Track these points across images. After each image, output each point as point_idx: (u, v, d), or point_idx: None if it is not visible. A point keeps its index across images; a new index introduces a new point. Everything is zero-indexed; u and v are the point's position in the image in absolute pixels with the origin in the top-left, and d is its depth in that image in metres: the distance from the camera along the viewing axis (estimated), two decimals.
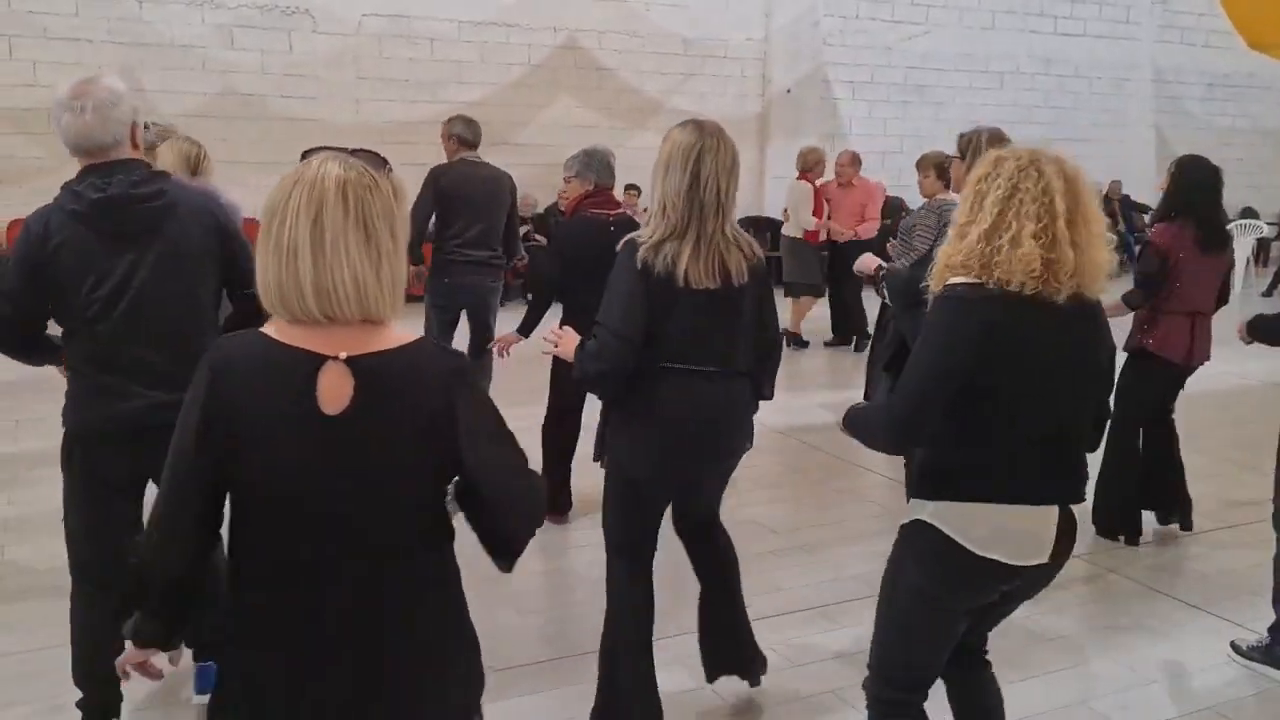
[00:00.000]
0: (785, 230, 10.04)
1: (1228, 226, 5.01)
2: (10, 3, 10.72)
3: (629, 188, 12.96)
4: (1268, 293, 14.28)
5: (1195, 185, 4.75)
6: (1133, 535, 5.04)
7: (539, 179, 12.44)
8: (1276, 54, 14.58)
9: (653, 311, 2.95)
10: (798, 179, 9.95)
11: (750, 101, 14.20)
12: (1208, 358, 4.93)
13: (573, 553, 4.88)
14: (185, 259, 2.95)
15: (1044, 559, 2.38)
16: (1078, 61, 16.14)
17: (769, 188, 14.22)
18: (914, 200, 9.58)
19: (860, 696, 2.69)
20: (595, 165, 5.03)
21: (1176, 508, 5.17)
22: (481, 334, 6.27)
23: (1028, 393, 2.32)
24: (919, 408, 2.35)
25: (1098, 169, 16.16)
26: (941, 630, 2.50)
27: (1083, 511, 2.49)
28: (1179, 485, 5.17)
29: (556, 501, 5.07)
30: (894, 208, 11.74)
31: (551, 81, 13.02)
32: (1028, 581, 2.45)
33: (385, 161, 1.77)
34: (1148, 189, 16.68)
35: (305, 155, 1.78)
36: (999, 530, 2.33)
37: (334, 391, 1.69)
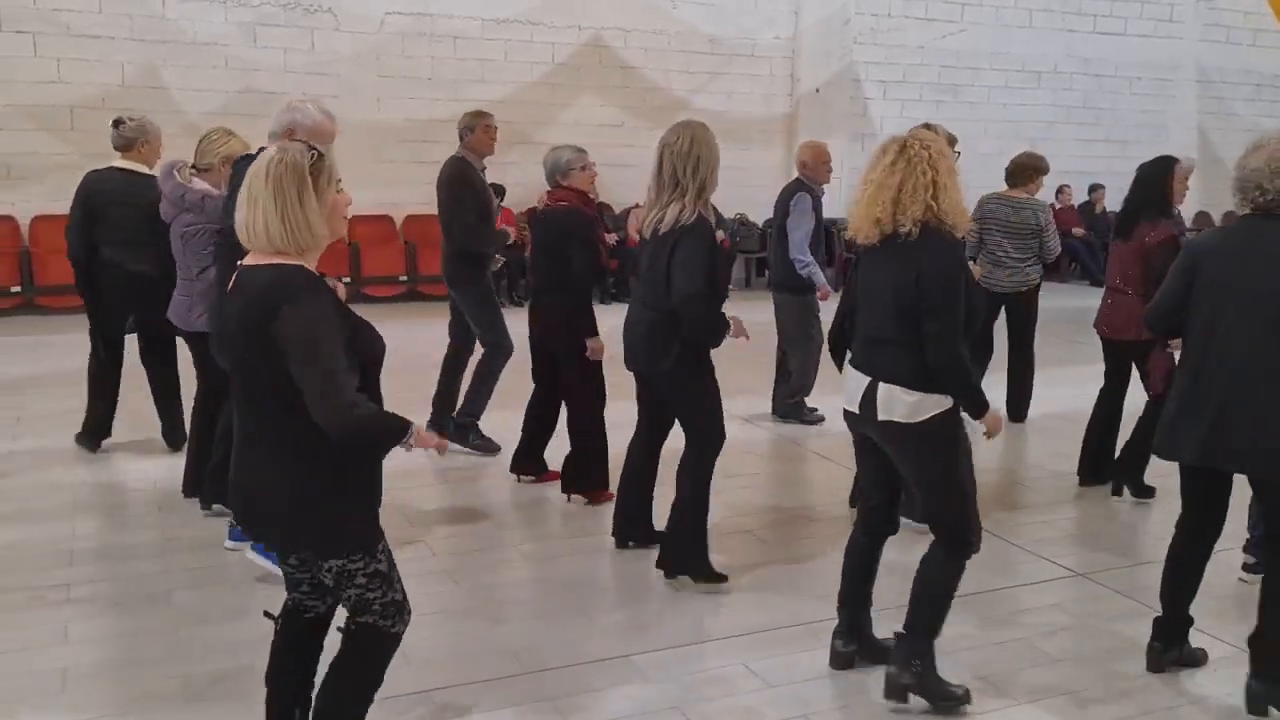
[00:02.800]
0: None
1: None
2: (34, 0, 10.74)
3: None
4: None
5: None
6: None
7: None
8: None
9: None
10: None
11: (778, 101, 13.97)
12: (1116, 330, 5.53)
13: (558, 561, 4.73)
14: None
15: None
16: (1118, 61, 15.74)
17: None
18: None
19: None
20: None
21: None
22: None
23: None
24: None
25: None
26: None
27: None
28: None
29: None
30: None
31: (575, 80, 12.87)
32: None
33: (313, 149, 2.65)
34: (1190, 192, 16.23)
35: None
36: None
37: (230, 285, 2.68)
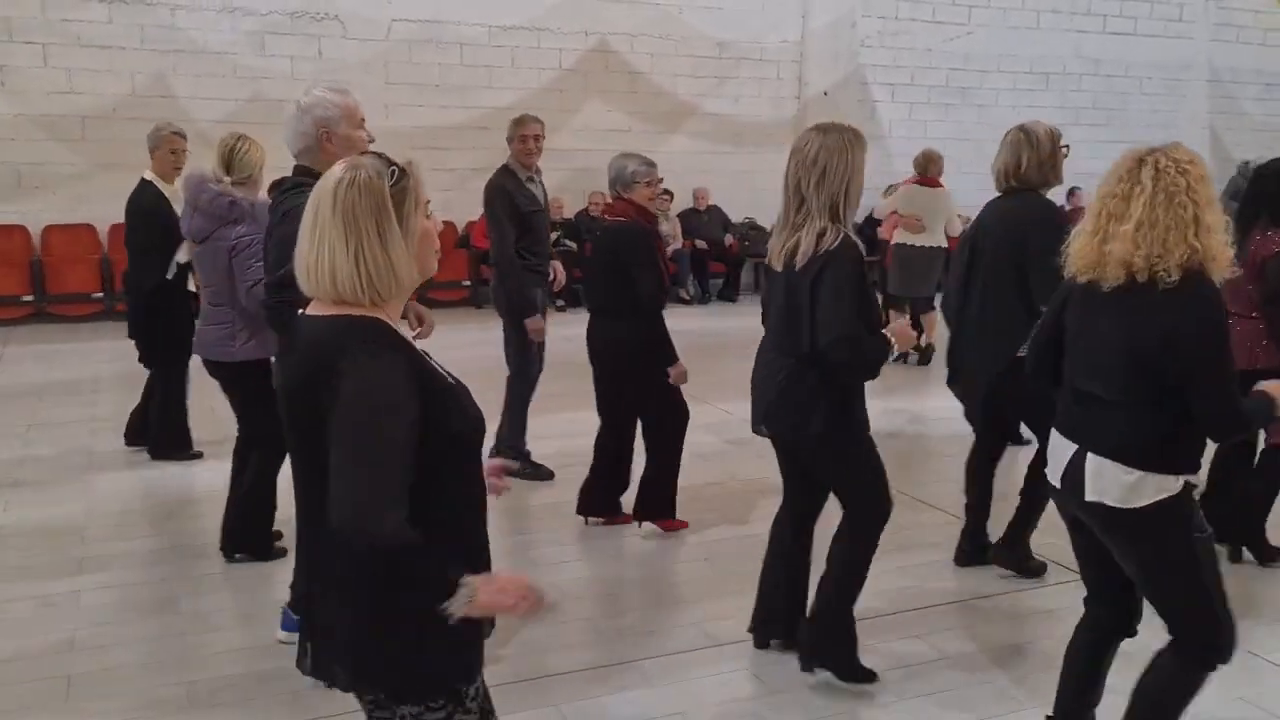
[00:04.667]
0: (920, 240, 9.02)
1: None
2: (45, 10, 10.81)
3: (663, 192, 12.81)
4: None
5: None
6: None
7: (570, 184, 12.33)
8: None
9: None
10: (921, 184, 9.09)
11: (786, 105, 13.96)
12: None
13: (563, 567, 4.72)
14: None
15: None
16: (1128, 62, 15.67)
17: None
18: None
19: None
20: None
21: None
22: None
23: None
24: None
25: None
26: None
27: None
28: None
29: None
30: None
31: (583, 86, 12.88)
32: None
33: (392, 164, 1.99)
34: None
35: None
36: None
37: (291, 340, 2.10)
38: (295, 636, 3.76)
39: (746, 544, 4.99)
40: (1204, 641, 2.77)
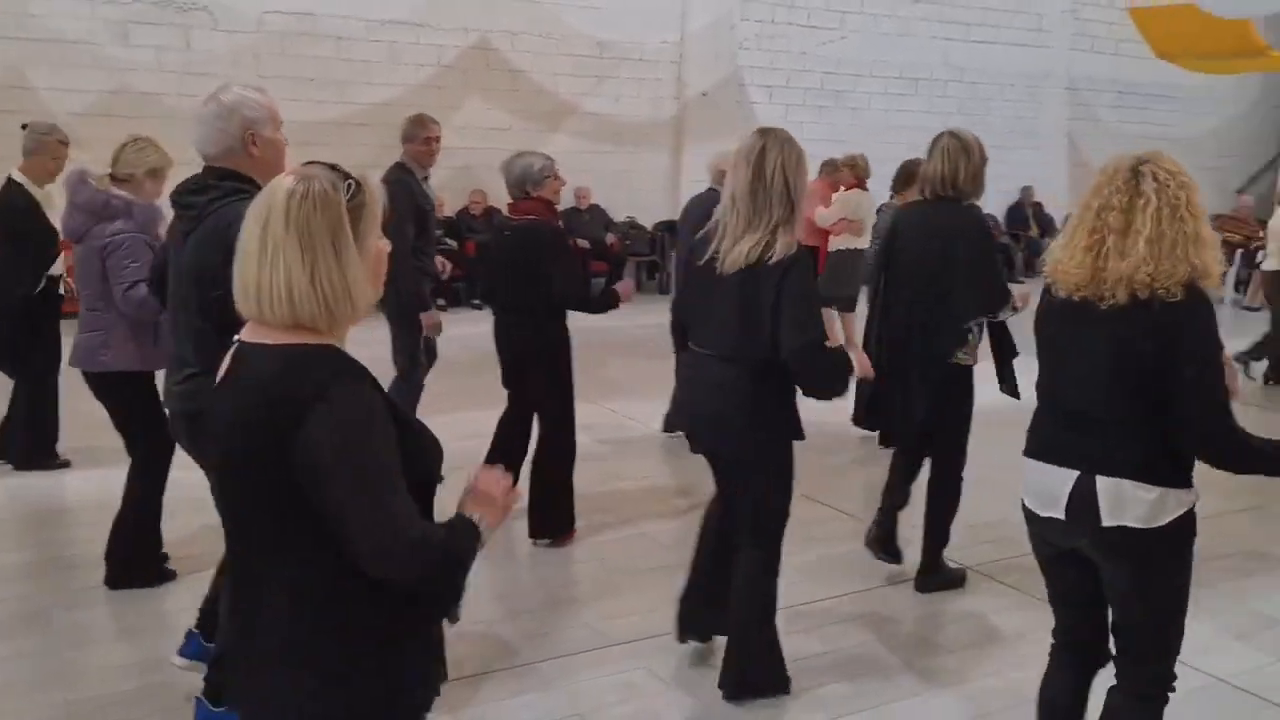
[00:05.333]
0: (855, 243, 8.66)
1: None
2: None
3: None
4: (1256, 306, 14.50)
5: None
6: None
7: (450, 182, 12.20)
8: (1183, 64, 14.98)
9: None
10: (861, 188, 8.65)
11: (665, 105, 14.09)
12: None
13: None
14: None
15: None
16: (992, 69, 16.31)
17: (684, 192, 14.10)
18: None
19: None
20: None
21: None
22: None
23: None
24: None
25: (1010, 176, 16.38)
26: None
27: None
28: None
29: None
30: None
31: (463, 83, 12.76)
32: None
33: (348, 176, 1.82)
34: (1059, 195, 16.97)
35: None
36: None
37: (223, 368, 1.90)
38: (194, 666, 3.51)
39: (636, 544, 5.05)
40: (1166, 672, 2.71)
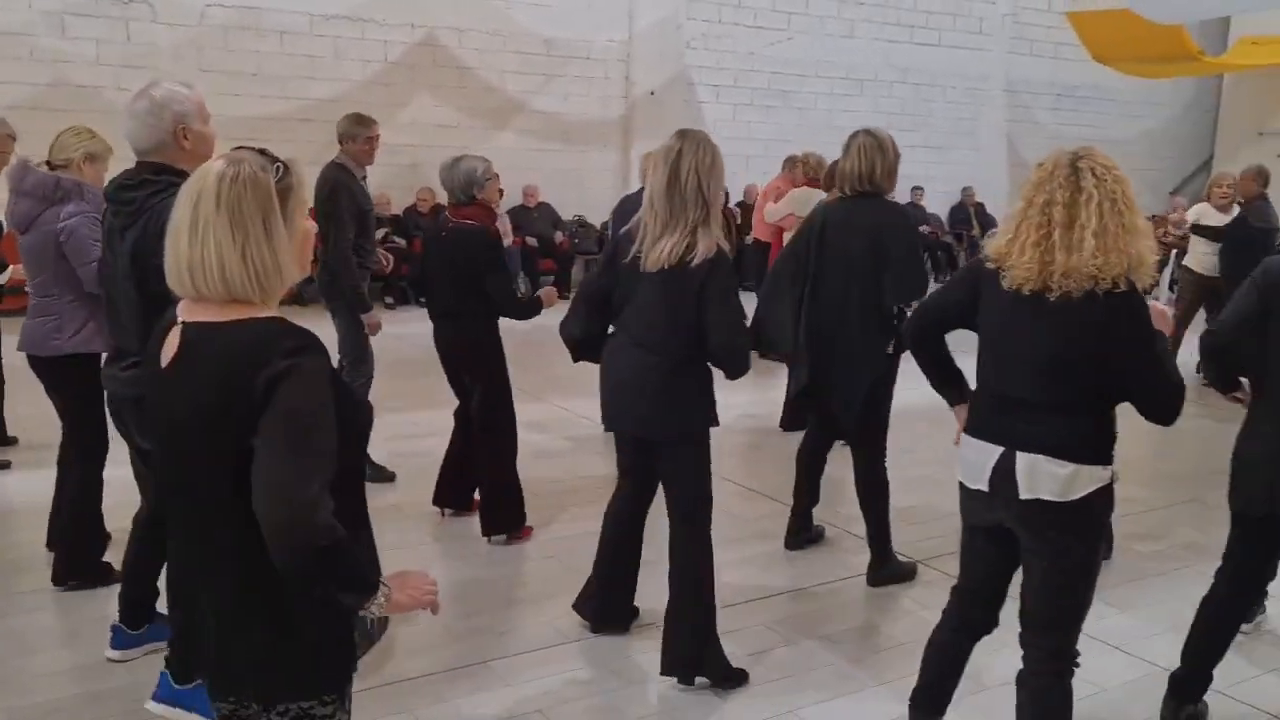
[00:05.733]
0: None
1: None
2: None
3: None
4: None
5: None
6: None
7: (397, 180, 12.12)
8: (1119, 67, 15.31)
9: None
10: (812, 185, 8.21)
11: (613, 104, 14.10)
12: None
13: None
14: None
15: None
16: (934, 71, 16.54)
17: (634, 191, 14.12)
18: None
19: None
20: None
21: None
22: None
23: None
24: None
25: (952, 176, 16.64)
26: None
27: None
28: None
29: None
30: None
31: (410, 79, 12.65)
32: None
33: (275, 160, 1.94)
34: (1000, 196, 17.25)
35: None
36: None
37: (169, 350, 1.93)
38: (129, 654, 3.72)
39: (593, 541, 5.04)
40: (1070, 644, 2.85)
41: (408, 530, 5.09)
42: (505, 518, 5.01)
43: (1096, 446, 2.74)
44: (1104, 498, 2.75)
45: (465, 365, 4.99)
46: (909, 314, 4.37)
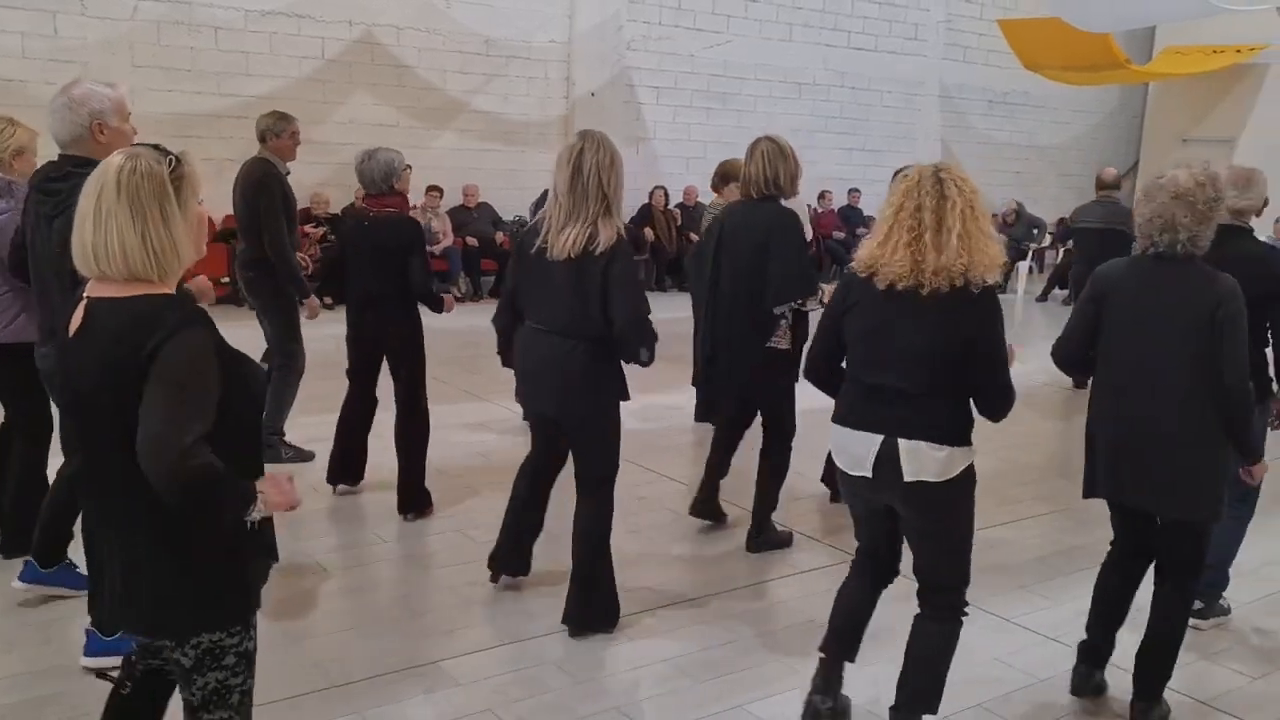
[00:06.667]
0: None
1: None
2: None
3: (430, 189, 12.63)
4: (1042, 297, 15.19)
5: None
6: None
7: (334, 178, 11.96)
8: (1049, 75, 15.66)
9: None
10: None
11: (554, 104, 14.07)
12: None
13: (357, 570, 4.62)
14: None
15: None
16: (871, 75, 16.76)
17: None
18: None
19: None
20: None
21: None
22: None
23: None
24: None
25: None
26: None
27: None
28: None
29: None
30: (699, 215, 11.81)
31: (348, 77, 12.50)
32: None
33: (169, 153, 2.22)
34: None
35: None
36: None
37: (75, 321, 2.19)
38: (33, 589, 4.06)
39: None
40: (960, 594, 3.23)
41: (341, 532, 5.07)
42: (422, 497, 5.28)
43: (963, 430, 3.08)
44: (971, 474, 3.10)
45: (391, 349, 5.18)
46: (799, 310, 4.87)
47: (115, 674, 2.56)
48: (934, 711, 3.23)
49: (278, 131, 5.76)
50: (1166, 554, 3.54)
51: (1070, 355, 3.62)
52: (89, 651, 3.55)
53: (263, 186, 5.65)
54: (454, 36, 13.13)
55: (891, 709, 3.26)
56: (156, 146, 2.23)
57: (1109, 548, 3.76)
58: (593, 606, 4.05)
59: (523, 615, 4.21)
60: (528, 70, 13.80)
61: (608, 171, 3.78)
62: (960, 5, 17.44)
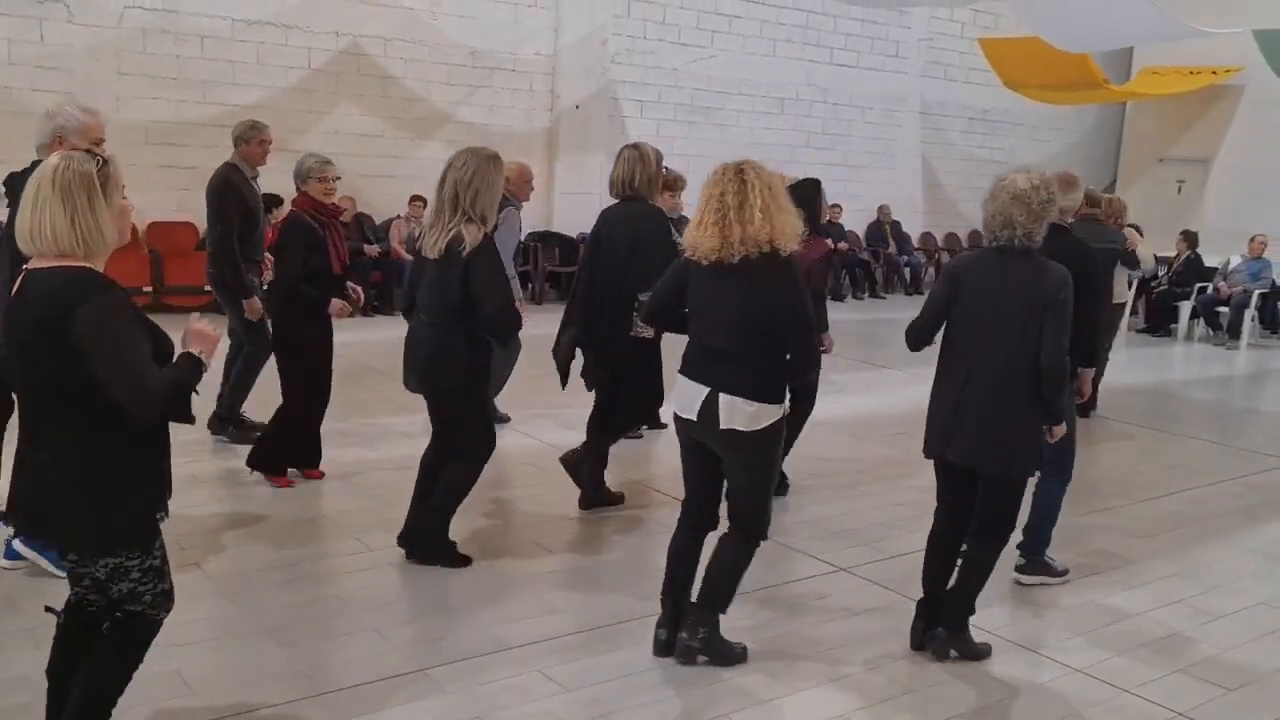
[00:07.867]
0: None
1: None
2: None
3: (414, 199, 12.66)
4: None
5: None
6: None
7: None
8: (1028, 93, 15.85)
9: None
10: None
11: (539, 116, 14.14)
12: None
13: (343, 578, 4.65)
14: None
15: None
16: (852, 92, 16.90)
17: (558, 203, 14.18)
18: None
19: None
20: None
21: None
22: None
23: None
24: None
25: (869, 194, 17.01)
26: None
27: None
28: None
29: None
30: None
31: (334, 88, 12.52)
32: None
33: (99, 157, 2.76)
34: (915, 214, 17.70)
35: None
36: None
37: (17, 286, 2.71)
38: (16, 564, 4.42)
39: (526, 551, 5.09)
40: (762, 525, 3.85)
41: (320, 539, 5.10)
42: (271, 458, 5.77)
43: (773, 390, 3.71)
44: (778, 427, 3.75)
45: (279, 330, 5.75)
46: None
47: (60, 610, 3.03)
48: (724, 611, 3.90)
49: (247, 139, 6.22)
50: (984, 507, 4.03)
51: (921, 337, 4.10)
52: (7, 555, 4.38)
53: (220, 189, 6.10)
54: (440, 48, 13.18)
55: (691, 605, 3.91)
56: (88, 150, 2.82)
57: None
58: (427, 545, 4.79)
59: (508, 622, 4.25)
60: (513, 82, 13.86)
61: (465, 187, 4.40)
62: (941, 23, 17.62)
